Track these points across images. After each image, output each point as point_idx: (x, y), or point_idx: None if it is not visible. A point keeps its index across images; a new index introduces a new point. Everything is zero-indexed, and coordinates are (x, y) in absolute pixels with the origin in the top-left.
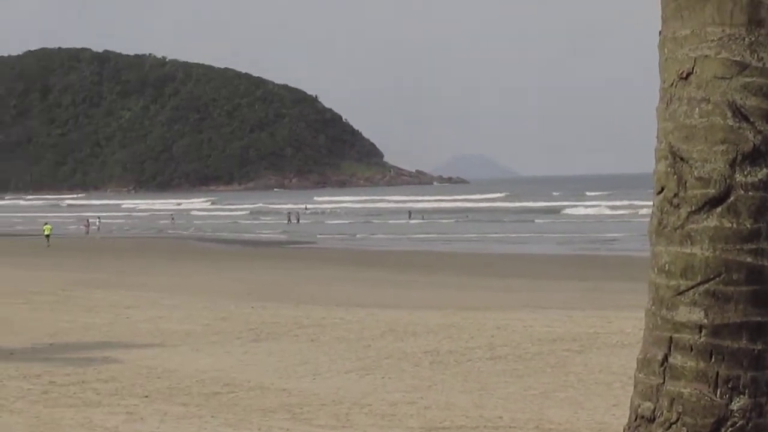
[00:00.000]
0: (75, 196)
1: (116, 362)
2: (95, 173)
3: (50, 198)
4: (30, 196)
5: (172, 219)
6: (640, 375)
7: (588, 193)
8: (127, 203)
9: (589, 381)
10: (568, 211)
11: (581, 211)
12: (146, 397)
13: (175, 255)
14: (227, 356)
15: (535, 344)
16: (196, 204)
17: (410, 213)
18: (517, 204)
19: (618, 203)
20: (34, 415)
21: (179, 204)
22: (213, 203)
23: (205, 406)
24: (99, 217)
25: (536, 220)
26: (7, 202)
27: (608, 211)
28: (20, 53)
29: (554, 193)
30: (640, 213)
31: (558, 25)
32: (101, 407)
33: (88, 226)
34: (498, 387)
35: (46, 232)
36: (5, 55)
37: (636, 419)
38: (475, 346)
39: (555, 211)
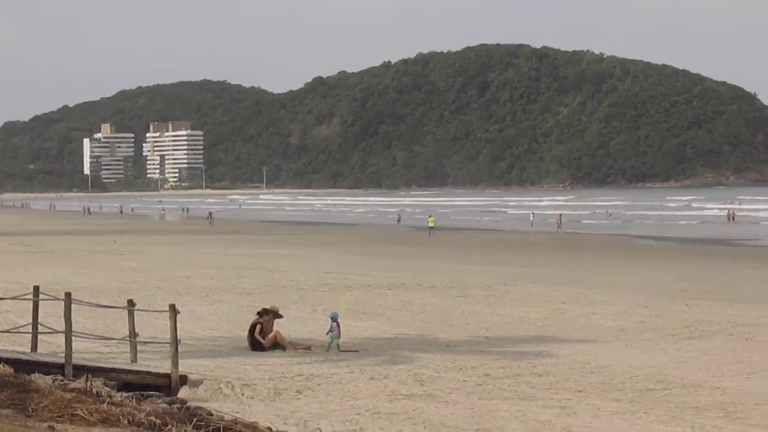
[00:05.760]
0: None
1: (550, 356)
2: (532, 169)
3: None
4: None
5: (609, 215)
6: None
7: None
8: (558, 199)
9: None
10: None
11: None
12: (580, 391)
13: (609, 252)
14: (661, 353)
15: None
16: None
17: None
18: None
19: None
20: (469, 406)
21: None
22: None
23: (638, 402)
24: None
25: None
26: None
27: None
28: (460, 49)
29: None
30: None
31: None
32: (535, 401)
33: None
34: None
35: (430, 224)
36: (445, 50)
37: None
38: None
39: None
